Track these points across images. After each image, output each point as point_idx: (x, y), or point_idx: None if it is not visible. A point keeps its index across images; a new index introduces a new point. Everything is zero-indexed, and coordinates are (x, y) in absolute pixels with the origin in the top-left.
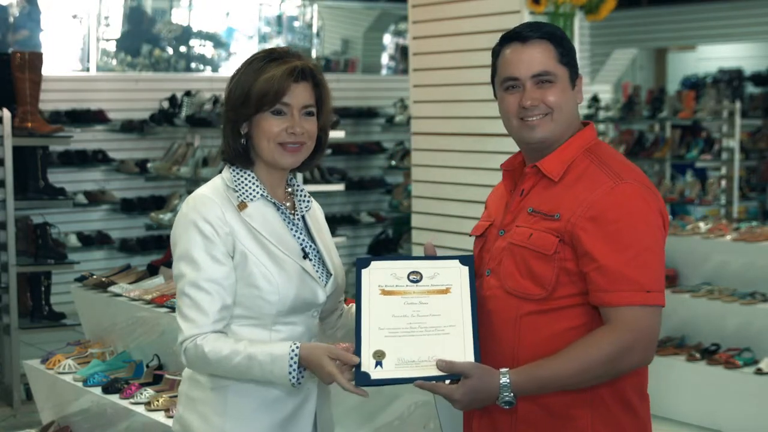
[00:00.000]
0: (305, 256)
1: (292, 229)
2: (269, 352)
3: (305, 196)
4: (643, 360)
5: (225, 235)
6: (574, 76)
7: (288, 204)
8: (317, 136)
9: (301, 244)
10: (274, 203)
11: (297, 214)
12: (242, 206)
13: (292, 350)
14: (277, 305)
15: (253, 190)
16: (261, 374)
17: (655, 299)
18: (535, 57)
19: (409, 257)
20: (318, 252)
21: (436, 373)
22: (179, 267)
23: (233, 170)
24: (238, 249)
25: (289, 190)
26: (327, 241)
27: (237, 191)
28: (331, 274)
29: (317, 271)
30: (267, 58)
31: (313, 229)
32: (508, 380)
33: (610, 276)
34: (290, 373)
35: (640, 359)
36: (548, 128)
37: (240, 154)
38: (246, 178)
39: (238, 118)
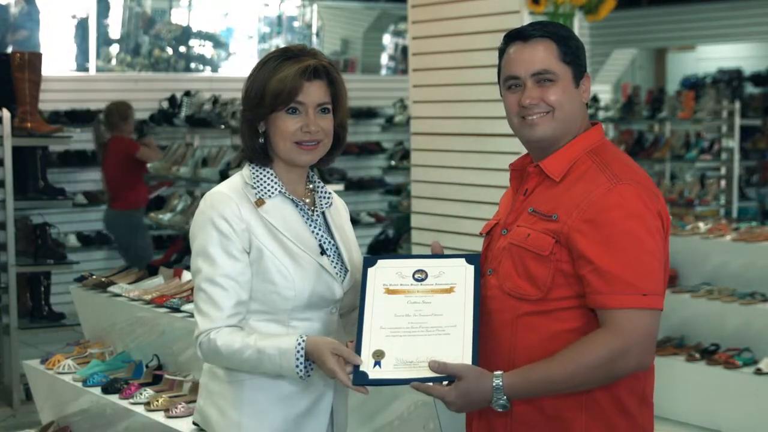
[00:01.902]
0: (323, 252)
1: (310, 226)
2: (277, 346)
3: (326, 192)
4: (640, 364)
5: (241, 231)
6: (578, 74)
7: (308, 200)
8: (335, 133)
9: (318, 241)
10: (292, 200)
11: (317, 211)
12: (260, 203)
13: (299, 343)
14: (293, 301)
15: (272, 187)
16: (271, 368)
17: (652, 302)
18: (536, 56)
19: (416, 256)
20: (336, 248)
21: (433, 374)
22: (196, 263)
23: (252, 167)
24: (254, 245)
25: (311, 186)
26: (347, 238)
27: (255, 188)
28: (348, 270)
29: (334, 267)
30: (281, 57)
31: (333, 225)
32: (501, 383)
33: (606, 278)
34: (297, 366)
35: (636, 363)
36: (549, 127)
37: (258, 153)
38: (264, 175)
39: (255, 117)
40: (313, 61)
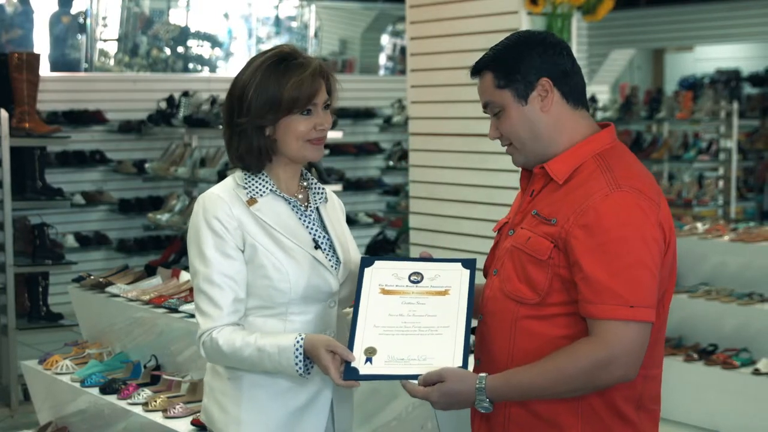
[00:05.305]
0: (317, 246)
1: (304, 221)
2: (277, 344)
3: (320, 188)
4: (623, 376)
5: (234, 230)
6: (523, 90)
7: (301, 197)
8: None
9: (312, 235)
10: (283, 197)
11: (311, 206)
12: (252, 202)
13: (297, 341)
14: (288, 294)
15: (263, 186)
16: (271, 366)
17: (639, 315)
18: (480, 90)
19: (413, 258)
20: (331, 243)
21: (423, 371)
22: (194, 265)
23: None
24: (248, 242)
25: (305, 184)
26: (342, 233)
27: (246, 188)
28: (341, 263)
29: (329, 260)
30: (280, 61)
31: (327, 220)
32: (483, 385)
33: (594, 287)
34: (296, 364)
35: (619, 375)
36: (519, 156)
37: (263, 155)
38: (256, 176)
39: (265, 124)
40: (316, 62)
